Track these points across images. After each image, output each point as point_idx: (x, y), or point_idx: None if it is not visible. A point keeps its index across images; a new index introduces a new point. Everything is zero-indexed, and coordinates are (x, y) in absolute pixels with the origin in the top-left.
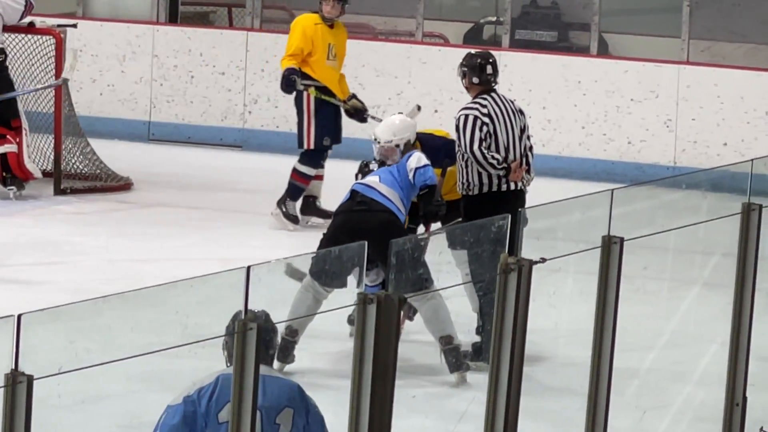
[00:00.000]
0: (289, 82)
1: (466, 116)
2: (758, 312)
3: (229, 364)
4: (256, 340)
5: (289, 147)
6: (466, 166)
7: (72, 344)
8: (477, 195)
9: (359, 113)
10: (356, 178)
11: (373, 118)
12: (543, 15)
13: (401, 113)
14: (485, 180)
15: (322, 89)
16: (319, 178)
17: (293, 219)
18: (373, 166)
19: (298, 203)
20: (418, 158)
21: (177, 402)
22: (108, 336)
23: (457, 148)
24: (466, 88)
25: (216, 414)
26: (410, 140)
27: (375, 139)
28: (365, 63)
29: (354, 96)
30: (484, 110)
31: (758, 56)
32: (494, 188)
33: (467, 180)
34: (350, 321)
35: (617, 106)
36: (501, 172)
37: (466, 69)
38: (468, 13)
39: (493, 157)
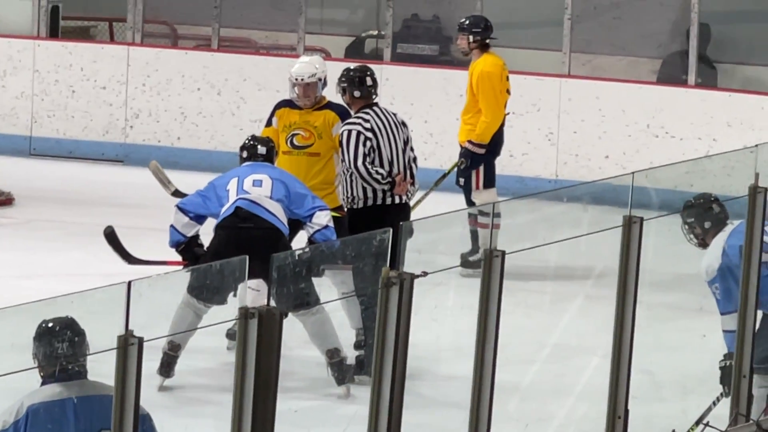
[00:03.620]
0: None
1: (349, 132)
2: (639, 325)
3: (43, 380)
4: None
5: (170, 161)
6: (351, 180)
7: None
8: (361, 209)
9: None
10: (239, 155)
11: None
12: (424, 28)
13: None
14: (369, 194)
15: None
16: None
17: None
18: (261, 149)
19: None
20: (328, 218)
21: None
22: None
23: (341, 163)
24: (348, 103)
25: None
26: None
27: (297, 79)
28: (247, 77)
29: None
30: (367, 125)
31: (639, 69)
32: (378, 201)
33: (351, 194)
34: (229, 335)
35: None
36: (386, 187)
37: (345, 84)
38: (349, 27)
39: (377, 172)
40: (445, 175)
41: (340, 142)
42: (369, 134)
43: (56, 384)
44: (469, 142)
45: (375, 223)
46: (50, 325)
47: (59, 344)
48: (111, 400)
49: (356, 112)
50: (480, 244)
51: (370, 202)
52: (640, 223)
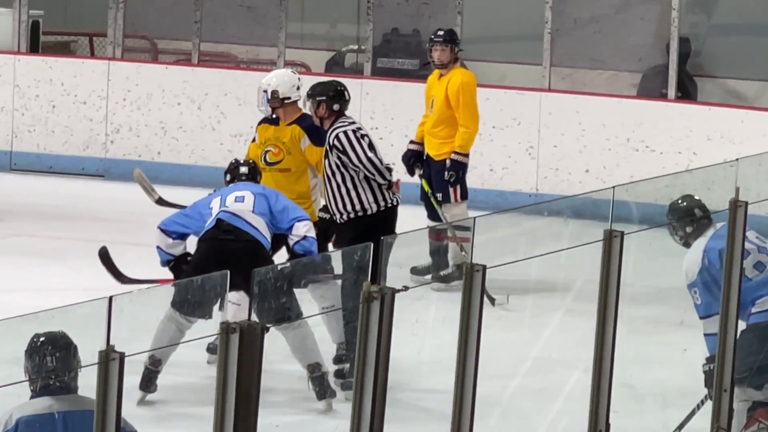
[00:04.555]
0: None
1: (345, 132)
2: (620, 339)
3: (32, 393)
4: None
5: (151, 176)
6: (359, 186)
7: None
8: (375, 213)
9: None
10: (225, 178)
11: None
12: (404, 43)
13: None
14: (379, 196)
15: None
16: (437, 236)
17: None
18: (243, 168)
19: None
20: (307, 228)
21: None
22: None
23: (340, 167)
24: (322, 117)
25: None
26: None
27: (277, 95)
28: (227, 92)
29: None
30: (356, 125)
31: (619, 83)
32: (389, 203)
33: (361, 205)
34: (209, 349)
35: (479, 134)
36: (393, 179)
37: (324, 98)
38: (329, 41)
39: (387, 167)
40: (429, 191)
41: (335, 146)
42: (363, 131)
43: (46, 397)
44: (455, 153)
45: (389, 224)
46: (42, 339)
47: (50, 358)
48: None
49: (331, 124)
50: (450, 258)
51: (382, 205)
52: (620, 237)
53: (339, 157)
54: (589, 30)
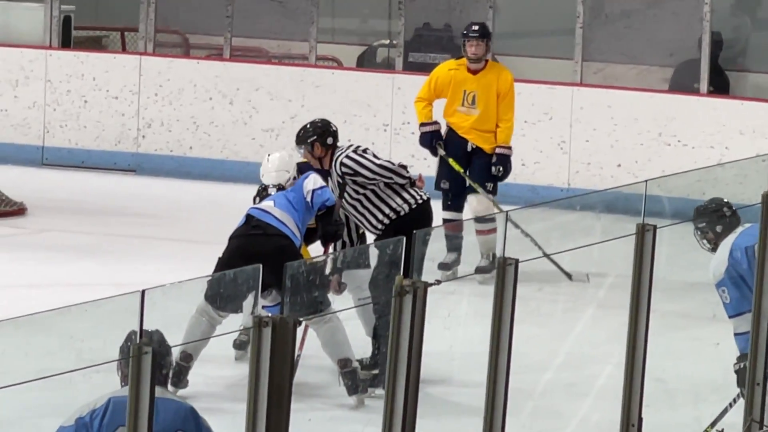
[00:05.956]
0: None
1: (347, 156)
2: (652, 333)
3: (123, 385)
4: (152, 362)
5: (182, 171)
6: (382, 195)
7: None
8: (408, 212)
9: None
10: (254, 202)
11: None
12: (436, 37)
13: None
14: (406, 196)
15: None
16: (456, 228)
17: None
18: (272, 190)
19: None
20: (314, 180)
21: (69, 423)
22: (1, 361)
23: (359, 191)
24: (320, 157)
25: None
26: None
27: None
28: (259, 87)
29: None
30: (351, 147)
31: (650, 78)
32: (419, 200)
33: (391, 208)
34: (236, 345)
35: None
36: (412, 175)
37: (314, 138)
38: (361, 36)
39: (400, 165)
40: (461, 170)
41: (347, 173)
42: (361, 147)
43: None
44: (500, 147)
45: (425, 217)
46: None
47: None
48: (186, 408)
49: (331, 159)
50: (482, 251)
51: (413, 204)
52: (653, 230)
53: (354, 181)
54: (620, 24)
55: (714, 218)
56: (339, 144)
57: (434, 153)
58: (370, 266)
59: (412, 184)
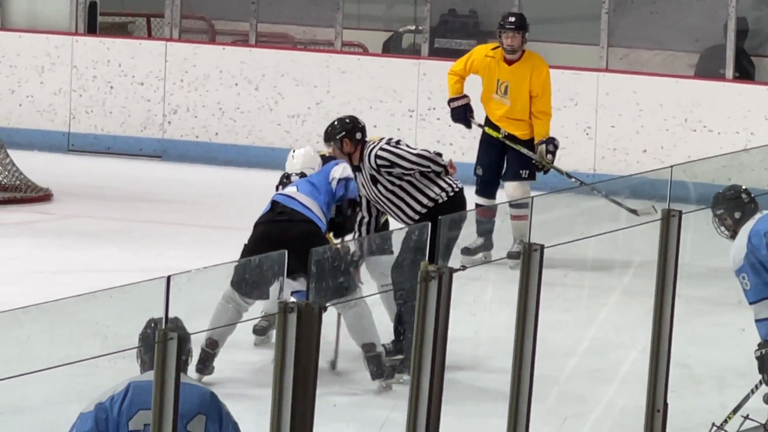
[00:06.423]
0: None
1: (381, 148)
2: (677, 319)
3: (143, 371)
4: (178, 348)
5: (209, 157)
6: (419, 184)
7: None
8: (446, 200)
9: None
10: (277, 189)
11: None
12: (462, 23)
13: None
14: (443, 184)
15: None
16: (488, 214)
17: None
18: (294, 177)
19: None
20: (342, 169)
21: (89, 409)
22: (27, 347)
23: (395, 182)
24: (349, 153)
25: (127, 422)
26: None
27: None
28: (284, 73)
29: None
30: (383, 139)
31: (676, 63)
32: (454, 188)
33: (428, 197)
34: (255, 331)
35: None
36: (444, 163)
37: (343, 134)
38: (386, 22)
39: (436, 152)
40: (499, 135)
41: (383, 165)
42: (393, 139)
43: None
44: (544, 139)
45: (460, 206)
46: (155, 324)
47: None
48: (207, 392)
49: (360, 155)
50: (515, 236)
51: (450, 192)
52: (678, 216)
53: (389, 173)
54: (646, 10)
55: (732, 205)
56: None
57: (468, 125)
58: (393, 252)
59: (446, 171)
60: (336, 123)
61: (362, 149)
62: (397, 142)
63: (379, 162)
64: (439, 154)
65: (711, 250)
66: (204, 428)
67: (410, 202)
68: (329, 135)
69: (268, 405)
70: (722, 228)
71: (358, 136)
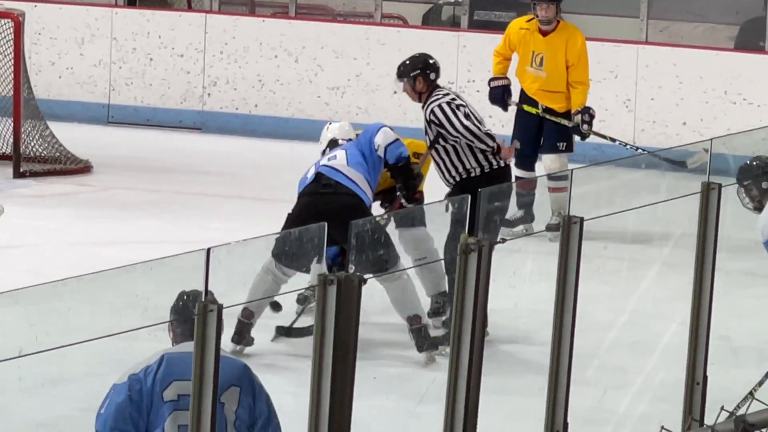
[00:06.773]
0: None
1: (440, 106)
2: (717, 291)
3: (174, 344)
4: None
5: (248, 129)
6: (461, 153)
7: (32, 327)
8: (480, 175)
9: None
10: (322, 154)
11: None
12: None
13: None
14: (482, 159)
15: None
16: (528, 186)
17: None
18: (341, 142)
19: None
20: (385, 134)
21: (122, 380)
22: (68, 319)
23: (441, 143)
24: (421, 92)
25: (161, 392)
26: None
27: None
28: (324, 45)
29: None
30: (450, 96)
31: (716, 36)
32: (494, 166)
33: (464, 166)
34: (299, 300)
35: None
36: (495, 146)
37: (417, 72)
38: None
39: (487, 133)
40: (538, 111)
41: (434, 121)
42: (459, 101)
43: (190, 342)
44: (581, 111)
45: (495, 183)
46: (187, 296)
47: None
48: (240, 365)
49: (428, 98)
50: (553, 208)
51: (487, 168)
52: (718, 189)
53: (438, 131)
54: None
55: (759, 175)
56: (441, 86)
57: (504, 108)
58: (425, 225)
59: (497, 152)
60: (408, 61)
61: (432, 90)
62: (457, 107)
63: (431, 117)
64: (491, 136)
65: (751, 222)
66: (238, 400)
67: (448, 166)
68: (402, 72)
69: (306, 377)
70: (747, 199)
71: (432, 76)
